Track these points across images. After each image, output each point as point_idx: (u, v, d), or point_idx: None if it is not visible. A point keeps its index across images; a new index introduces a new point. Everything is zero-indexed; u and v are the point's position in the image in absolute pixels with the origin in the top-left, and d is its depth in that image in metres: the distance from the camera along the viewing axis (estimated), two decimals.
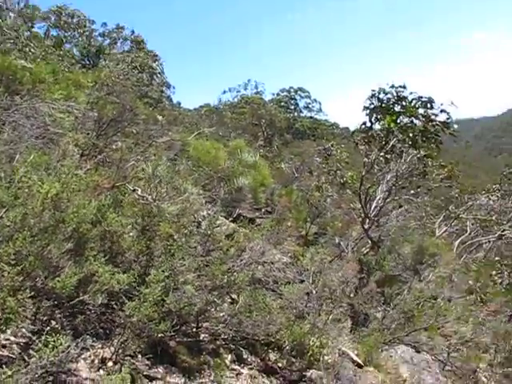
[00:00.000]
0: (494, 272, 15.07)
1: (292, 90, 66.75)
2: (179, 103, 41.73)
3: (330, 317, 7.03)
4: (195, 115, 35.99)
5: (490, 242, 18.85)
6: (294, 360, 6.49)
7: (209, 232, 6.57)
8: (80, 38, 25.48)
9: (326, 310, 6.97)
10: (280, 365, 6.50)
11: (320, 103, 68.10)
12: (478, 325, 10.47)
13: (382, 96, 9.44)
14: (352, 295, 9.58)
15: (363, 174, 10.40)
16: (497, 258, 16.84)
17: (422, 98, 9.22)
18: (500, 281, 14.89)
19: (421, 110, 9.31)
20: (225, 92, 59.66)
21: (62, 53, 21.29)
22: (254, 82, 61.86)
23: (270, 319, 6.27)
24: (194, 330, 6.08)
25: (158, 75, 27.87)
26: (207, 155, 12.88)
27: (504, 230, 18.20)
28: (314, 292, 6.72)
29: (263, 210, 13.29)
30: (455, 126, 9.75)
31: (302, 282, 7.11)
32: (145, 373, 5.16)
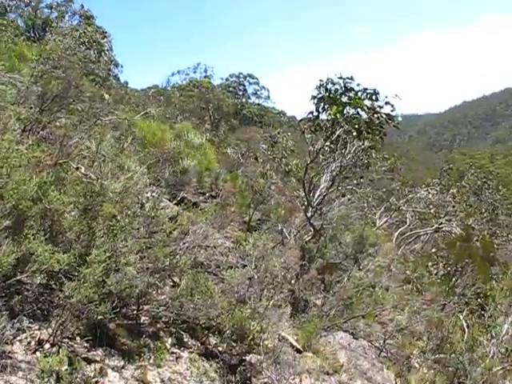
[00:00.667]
0: (430, 263, 15.59)
1: (241, 76, 66.61)
2: (126, 83, 40.93)
3: (271, 302, 7.07)
4: (142, 96, 35.39)
5: (427, 234, 19.46)
6: (234, 344, 6.51)
7: (152, 214, 6.48)
8: (25, 9, 24.46)
9: (267, 295, 7.00)
10: (220, 349, 6.51)
11: (268, 90, 68.25)
12: (414, 313, 10.79)
13: (329, 86, 9.54)
14: (293, 281, 9.69)
15: (308, 162, 10.50)
16: (433, 250, 17.43)
17: (367, 89, 9.37)
18: (435, 272, 15.42)
19: (367, 102, 9.48)
20: (173, 74, 58.90)
21: (5, 22, 20.40)
22: (203, 65, 61.33)
23: (212, 303, 6.26)
24: (135, 312, 6.02)
25: (106, 52, 27.15)
26: (153, 136, 12.69)
27: (441, 224, 18.82)
28: (256, 277, 6.75)
29: (207, 195, 13.24)
30: (399, 119, 9.99)
31: (244, 266, 7.14)
32: (83, 355, 5.07)
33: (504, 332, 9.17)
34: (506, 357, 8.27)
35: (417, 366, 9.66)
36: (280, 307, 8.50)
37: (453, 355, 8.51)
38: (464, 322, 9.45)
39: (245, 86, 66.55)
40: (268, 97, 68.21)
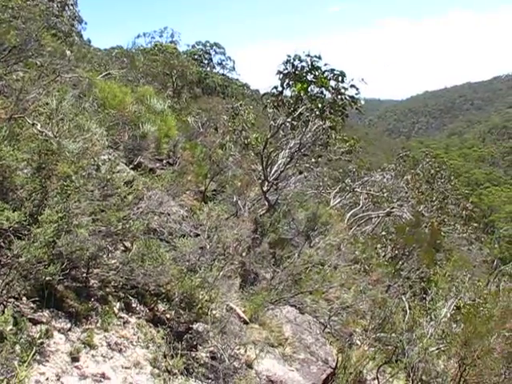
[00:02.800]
0: (379, 245, 15.99)
1: (208, 45, 65.71)
2: (89, 41, 39.90)
3: (221, 273, 7.11)
4: (105, 56, 34.47)
5: (379, 217, 19.86)
6: (182, 312, 6.53)
7: (108, 177, 6.39)
8: None
9: (217, 265, 7.04)
10: (168, 316, 6.54)
11: (234, 62, 67.65)
12: (360, 292, 11.07)
13: (296, 63, 9.54)
14: (244, 254, 9.77)
15: (268, 137, 10.53)
16: (383, 233, 17.85)
17: (334, 70, 9.42)
18: (384, 254, 15.84)
19: (332, 83, 9.52)
20: (139, 36, 57.72)
21: None
22: (170, 30, 60.20)
23: (162, 270, 6.25)
24: (84, 275, 5.96)
25: (70, 7, 26.29)
26: (114, 98, 12.43)
27: (393, 208, 19.23)
28: (208, 247, 6.77)
29: (165, 162, 13.12)
30: (362, 102, 10.08)
31: (197, 236, 7.15)
32: (29, 316, 5.00)
33: (443, 315, 9.53)
34: (442, 338, 8.60)
35: (358, 343, 9.95)
36: (230, 278, 8.59)
37: (393, 334, 8.80)
38: (406, 304, 9.76)
39: (210, 54, 65.77)
40: (233, 68, 67.63)
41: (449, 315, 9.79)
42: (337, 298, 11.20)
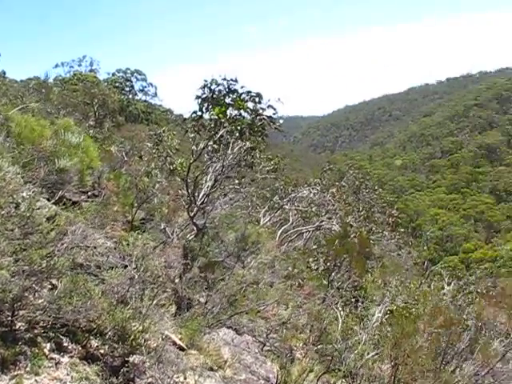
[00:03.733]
0: (311, 259, 16.25)
1: (129, 72, 65.18)
2: (4, 72, 38.78)
3: (154, 301, 7.05)
4: (22, 88, 33.52)
5: (309, 231, 20.22)
6: (116, 346, 6.42)
7: (28, 214, 6.22)
8: None
9: (149, 294, 6.98)
10: (102, 351, 6.40)
11: (156, 87, 67.42)
12: (296, 307, 11.21)
13: (213, 87, 9.64)
14: (177, 280, 9.72)
15: (191, 162, 10.57)
16: (314, 247, 18.18)
17: (251, 92, 9.59)
18: (316, 267, 16.10)
19: (250, 104, 9.69)
20: (57, 66, 56.52)
21: None
22: (89, 58, 59.36)
23: (92, 305, 6.13)
24: (9, 318, 5.75)
25: None
26: (31, 132, 12.10)
27: (322, 221, 19.64)
28: (136, 277, 6.70)
29: (90, 193, 12.88)
30: (281, 122, 10.30)
31: (125, 267, 7.06)
32: None
33: (374, 320, 9.81)
34: (377, 343, 8.85)
35: (299, 356, 10.06)
36: (164, 306, 8.52)
37: (330, 345, 8.98)
38: (339, 314, 9.98)
39: (132, 81, 65.27)
40: (155, 94, 67.37)
41: (381, 320, 10.09)
42: (274, 315, 11.30)
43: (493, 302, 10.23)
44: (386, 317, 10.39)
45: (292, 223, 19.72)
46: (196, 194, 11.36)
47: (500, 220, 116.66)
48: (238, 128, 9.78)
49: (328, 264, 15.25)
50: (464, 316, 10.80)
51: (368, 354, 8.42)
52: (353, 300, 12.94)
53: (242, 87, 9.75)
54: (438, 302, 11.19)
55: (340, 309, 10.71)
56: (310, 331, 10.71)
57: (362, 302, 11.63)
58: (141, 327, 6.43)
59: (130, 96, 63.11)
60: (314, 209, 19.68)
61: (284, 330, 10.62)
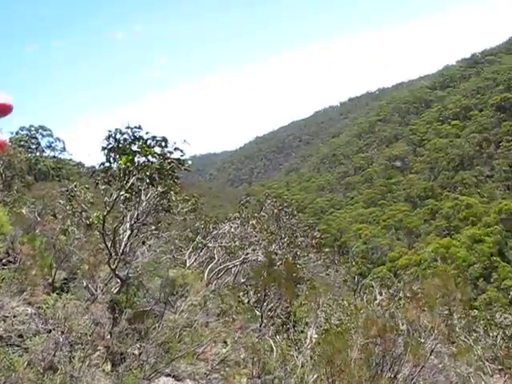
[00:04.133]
0: (241, 293, 16.26)
1: (33, 129, 63.35)
2: None
3: (86, 363, 6.84)
4: None
5: (236, 266, 20.21)
6: None
7: None
8: None
9: (79, 356, 6.77)
10: None
11: (64, 142, 65.89)
12: (234, 343, 11.16)
13: (118, 136, 9.62)
14: (108, 337, 9.46)
15: (105, 214, 10.43)
16: (242, 280, 18.21)
17: (156, 137, 9.64)
18: (247, 300, 16.12)
19: (157, 149, 9.73)
20: None
21: None
22: None
23: (17, 377, 5.88)
24: None
25: None
26: None
27: (247, 254, 19.70)
28: (61, 340, 6.49)
29: (4, 261, 12.35)
30: (189, 162, 10.41)
31: (49, 331, 6.81)
32: None
33: (308, 341, 9.95)
34: (317, 364, 8.96)
35: None
36: (97, 366, 8.27)
37: (269, 374, 9.01)
38: (272, 342, 10.05)
39: (37, 138, 63.45)
40: (64, 148, 65.75)
41: (315, 340, 10.24)
42: (213, 355, 11.20)
43: (419, 304, 10.66)
44: (321, 336, 10.55)
45: (218, 260, 19.64)
46: (115, 246, 11.17)
47: (418, 225, 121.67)
48: (147, 174, 9.78)
49: (258, 295, 15.32)
50: (396, 322, 11.16)
51: (307, 375, 8.51)
52: (284, 326, 13.04)
53: (146, 133, 9.81)
54: (369, 314, 11.50)
55: (273, 337, 10.78)
56: (252, 364, 10.68)
57: (294, 327, 11.75)
58: None
59: (38, 153, 61.28)
60: (237, 243, 19.72)
61: (227, 369, 10.54)
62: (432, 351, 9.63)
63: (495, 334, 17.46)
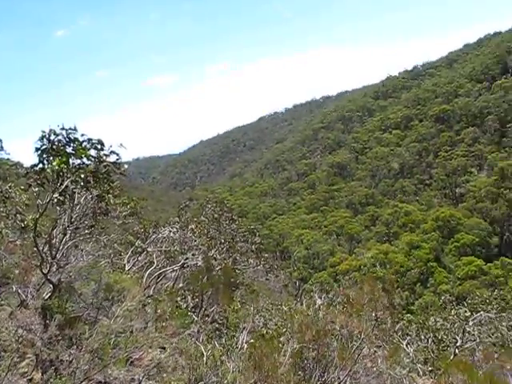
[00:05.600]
0: (179, 298, 16.18)
1: None
2: None
3: (10, 371, 6.66)
4: None
5: (175, 270, 20.05)
6: None
7: None
8: None
9: (4, 364, 6.59)
10: None
11: (1, 140, 63.72)
12: (171, 349, 11.09)
13: (52, 137, 9.40)
14: (39, 344, 9.22)
15: (37, 217, 10.18)
16: (181, 285, 18.13)
17: (92, 140, 9.47)
18: (185, 305, 16.06)
19: (92, 152, 9.57)
20: None
21: None
22: None
23: None
24: None
25: None
26: None
27: (187, 258, 19.59)
28: None
29: None
30: (125, 166, 10.29)
31: None
32: None
33: (240, 346, 10.03)
34: (246, 369, 9.02)
35: None
36: (25, 374, 8.06)
37: (201, 381, 9.02)
38: (202, 347, 10.06)
39: None
40: (1, 147, 63.59)
41: (246, 345, 10.32)
42: (150, 361, 11.08)
43: (350, 309, 10.94)
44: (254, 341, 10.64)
45: (157, 265, 19.44)
46: (51, 250, 10.91)
47: (359, 231, 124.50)
48: (82, 177, 9.62)
49: (196, 300, 15.29)
50: (333, 327, 11.37)
51: (237, 381, 8.57)
52: (218, 331, 13.08)
53: (82, 135, 9.61)
54: (305, 318, 11.68)
55: (205, 342, 10.79)
56: (189, 370, 10.65)
57: (227, 332, 11.81)
58: None
59: None
60: (177, 247, 19.59)
61: (164, 375, 10.46)
62: (359, 355, 9.89)
63: (427, 337, 18.05)
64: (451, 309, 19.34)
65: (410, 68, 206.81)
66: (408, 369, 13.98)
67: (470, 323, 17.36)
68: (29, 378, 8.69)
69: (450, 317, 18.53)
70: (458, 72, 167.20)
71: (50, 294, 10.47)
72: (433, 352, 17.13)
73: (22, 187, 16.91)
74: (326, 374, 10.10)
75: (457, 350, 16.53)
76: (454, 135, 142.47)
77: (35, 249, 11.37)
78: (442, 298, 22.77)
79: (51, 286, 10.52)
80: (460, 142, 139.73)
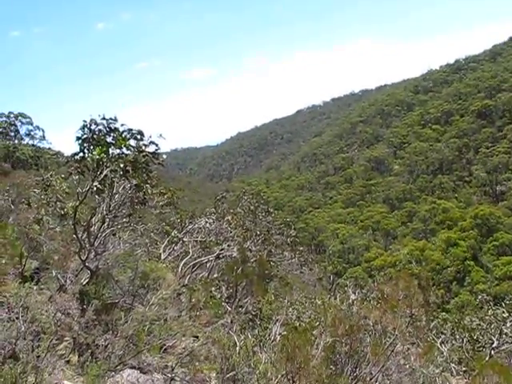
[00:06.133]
0: (213, 288, 16.33)
1: (12, 116, 62.62)
2: None
3: (50, 352, 6.86)
4: None
5: (210, 261, 20.24)
6: None
7: None
8: None
9: (43, 345, 6.78)
10: None
11: (43, 130, 65.24)
12: (205, 338, 11.23)
13: (93, 127, 9.61)
14: (77, 328, 9.47)
15: (77, 204, 10.42)
16: (215, 275, 18.29)
17: (132, 130, 9.65)
18: (219, 295, 16.21)
19: (132, 142, 9.74)
20: None
21: None
22: None
23: None
24: None
25: None
26: None
27: (222, 249, 19.74)
28: (23, 328, 6.50)
29: None
30: (164, 157, 10.44)
31: (13, 320, 6.82)
32: None
33: (272, 338, 10.07)
34: (278, 360, 9.05)
35: None
36: (62, 356, 8.29)
37: (233, 371, 9.09)
38: (236, 338, 10.14)
39: (16, 126, 62.72)
40: (43, 137, 65.07)
41: (279, 337, 10.37)
42: (183, 349, 11.24)
43: (385, 305, 10.85)
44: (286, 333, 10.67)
45: (193, 255, 19.65)
46: (89, 237, 11.16)
47: (395, 227, 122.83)
48: (121, 166, 9.79)
49: (230, 290, 15.42)
50: (366, 322, 11.32)
51: (269, 371, 8.62)
52: (252, 323, 13.15)
53: (122, 125, 9.80)
54: (338, 313, 11.65)
55: (239, 333, 10.87)
56: (222, 360, 10.75)
57: (260, 324, 11.88)
58: (34, 379, 6.23)
59: (16, 141, 60.57)
60: (212, 238, 19.76)
61: (196, 363, 10.60)
62: (392, 351, 9.82)
63: (462, 336, 17.75)
64: (488, 309, 18.92)
65: (451, 62, 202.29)
66: (441, 368, 13.78)
67: (508, 324, 16.97)
68: (66, 359, 8.94)
69: (487, 317, 18.14)
70: (503, 66, 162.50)
71: (87, 280, 10.73)
72: (467, 352, 16.82)
73: (63, 176, 17.33)
74: (357, 369, 10.07)
75: (493, 352, 16.18)
76: (495, 131, 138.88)
77: (74, 236, 11.65)
78: (479, 297, 22.26)
79: (89, 272, 10.76)
80: (502, 139, 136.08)
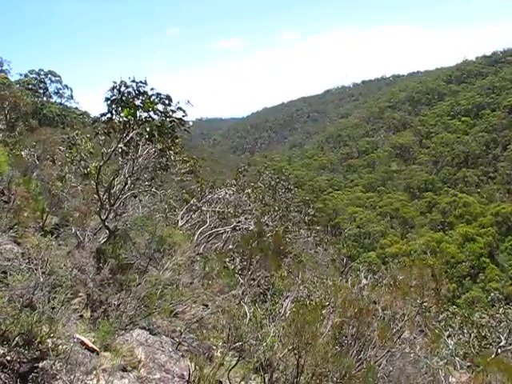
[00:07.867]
0: (227, 259, 16.50)
1: (42, 73, 62.97)
2: None
3: (64, 305, 7.01)
4: None
5: (226, 232, 20.40)
6: (23, 351, 6.33)
7: None
8: None
9: (58, 298, 6.93)
10: (8, 358, 6.30)
11: (71, 90, 65.56)
12: (215, 307, 11.39)
13: (123, 89, 9.67)
14: (91, 285, 9.67)
15: (101, 164, 10.55)
16: (230, 247, 18.45)
17: (160, 94, 9.70)
18: (233, 266, 16.38)
19: (160, 106, 9.80)
20: None
21: None
22: None
23: None
24: None
25: None
26: None
27: (239, 222, 19.88)
28: (42, 280, 6.66)
29: None
30: (190, 124, 10.50)
31: (32, 271, 6.98)
32: None
33: (282, 312, 10.18)
34: (286, 335, 9.15)
35: (219, 355, 10.23)
36: (76, 310, 8.47)
37: (240, 341, 9.23)
38: (246, 309, 10.26)
39: (46, 83, 63.12)
40: (71, 96, 65.41)
41: (289, 312, 10.47)
42: (192, 316, 11.41)
43: (396, 291, 10.90)
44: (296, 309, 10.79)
45: (210, 224, 19.81)
46: (110, 198, 11.32)
47: (414, 216, 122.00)
48: (147, 130, 9.87)
49: (244, 263, 15.56)
50: (375, 307, 11.38)
51: (276, 344, 8.74)
52: (263, 296, 13.30)
53: (151, 89, 9.86)
54: (348, 295, 11.71)
55: (249, 304, 11.00)
56: (230, 329, 10.90)
57: (272, 298, 12.00)
58: (49, 330, 6.39)
59: (45, 98, 61.01)
60: (230, 210, 19.89)
61: (204, 330, 10.76)
62: (399, 337, 9.88)
63: (470, 331, 17.73)
64: (499, 307, 18.85)
65: (488, 53, 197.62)
66: (445, 360, 13.81)
67: None
68: (80, 314, 9.14)
69: (497, 315, 18.10)
70: None
71: (105, 240, 10.90)
72: (474, 348, 16.83)
73: (88, 135, 17.50)
74: (362, 352, 10.16)
75: (499, 350, 16.17)
76: None
77: (95, 195, 11.82)
78: (491, 294, 22.19)
79: (107, 231, 10.93)
80: None
